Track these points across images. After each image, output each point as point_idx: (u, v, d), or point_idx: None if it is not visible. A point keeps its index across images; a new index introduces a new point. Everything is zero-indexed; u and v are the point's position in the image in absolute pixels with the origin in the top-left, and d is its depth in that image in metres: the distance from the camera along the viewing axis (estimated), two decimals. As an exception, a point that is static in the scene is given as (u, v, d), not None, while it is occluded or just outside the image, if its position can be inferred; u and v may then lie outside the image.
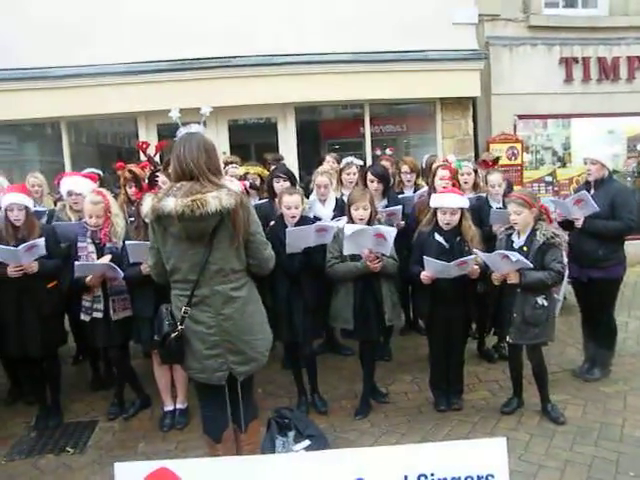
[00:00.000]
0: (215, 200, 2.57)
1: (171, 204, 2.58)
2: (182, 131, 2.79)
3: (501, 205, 4.71)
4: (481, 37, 8.19)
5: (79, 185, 4.58)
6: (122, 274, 3.92)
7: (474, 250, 3.78)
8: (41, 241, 3.85)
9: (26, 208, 3.98)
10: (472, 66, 7.78)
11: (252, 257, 2.80)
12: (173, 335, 2.71)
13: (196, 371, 2.82)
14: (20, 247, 3.75)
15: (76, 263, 3.91)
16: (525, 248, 3.79)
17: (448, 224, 3.89)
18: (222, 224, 2.65)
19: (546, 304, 3.76)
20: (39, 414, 4.21)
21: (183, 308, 2.72)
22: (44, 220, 4.60)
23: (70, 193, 4.59)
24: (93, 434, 4.05)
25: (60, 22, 7.31)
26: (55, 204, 5.11)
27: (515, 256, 3.60)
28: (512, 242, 3.89)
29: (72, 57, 7.32)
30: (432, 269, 3.76)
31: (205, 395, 2.94)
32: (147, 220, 2.80)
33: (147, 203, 2.74)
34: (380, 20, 7.49)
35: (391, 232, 3.76)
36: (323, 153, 7.81)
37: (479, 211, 4.69)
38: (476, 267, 3.79)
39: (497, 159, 5.66)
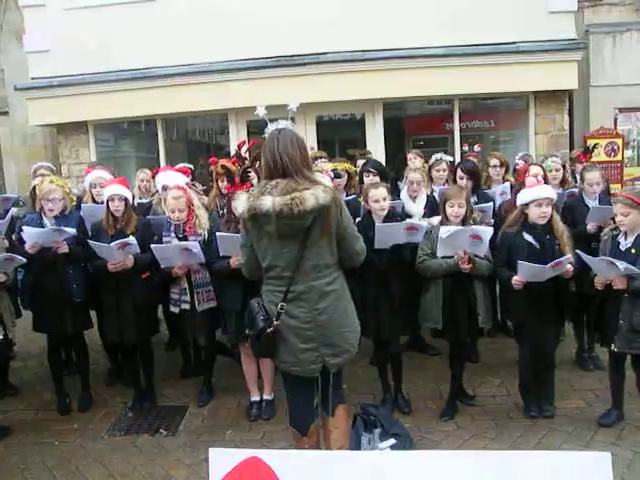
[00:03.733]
0: (312, 197, 2.57)
1: (268, 203, 2.58)
2: (270, 128, 2.77)
3: (597, 203, 4.46)
4: (580, 25, 7.76)
5: (173, 180, 4.76)
6: (203, 259, 4.01)
7: (578, 252, 3.59)
8: (133, 240, 4.02)
9: (125, 200, 4.20)
10: (569, 57, 7.42)
11: (344, 251, 2.80)
12: (269, 330, 2.72)
13: (290, 364, 2.83)
14: (112, 244, 3.94)
15: (153, 246, 4.02)
16: (634, 250, 3.54)
17: (544, 217, 3.70)
18: (317, 220, 2.64)
19: (658, 311, 3.49)
20: (135, 396, 4.43)
21: (280, 304, 2.73)
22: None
23: (165, 188, 4.79)
24: (184, 419, 4.22)
25: (156, 24, 7.69)
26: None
27: (622, 264, 3.37)
28: (618, 243, 3.64)
29: (168, 58, 7.69)
30: (525, 273, 3.58)
31: (294, 388, 2.96)
32: (242, 218, 2.81)
33: (242, 202, 2.72)
34: (471, 13, 7.31)
35: (487, 232, 3.65)
36: (407, 149, 7.73)
37: (572, 210, 4.46)
38: (569, 267, 3.60)
39: (594, 147, 5.35)
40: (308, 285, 2.72)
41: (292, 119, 2.87)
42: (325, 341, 2.77)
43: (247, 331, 2.85)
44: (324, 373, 2.84)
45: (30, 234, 4.00)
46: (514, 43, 7.44)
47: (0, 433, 4.05)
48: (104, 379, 4.90)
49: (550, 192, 3.78)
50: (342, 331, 2.82)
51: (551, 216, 3.73)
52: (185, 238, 4.16)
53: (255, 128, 8.29)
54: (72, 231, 4.11)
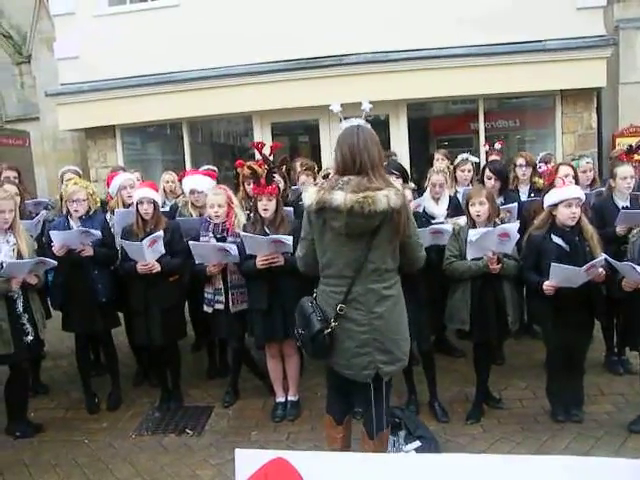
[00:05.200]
0: (385, 199, 2.53)
1: (340, 198, 2.54)
2: (344, 124, 2.73)
3: (629, 204, 4.35)
4: (609, 21, 7.60)
5: (201, 183, 4.84)
6: (237, 257, 4.03)
7: (605, 256, 3.52)
8: (160, 233, 4.10)
9: (154, 202, 4.26)
10: (598, 54, 7.28)
11: (405, 257, 2.76)
12: (326, 332, 2.68)
13: (342, 367, 2.78)
14: (144, 240, 4.03)
15: (191, 243, 4.09)
16: (664, 252, 3.47)
17: (574, 218, 3.63)
18: (384, 223, 2.61)
19: (689, 314, 3.41)
20: (162, 396, 4.50)
21: (339, 305, 2.68)
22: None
23: (192, 191, 4.86)
24: (210, 419, 4.26)
25: (181, 29, 7.79)
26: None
27: None
28: (647, 245, 3.57)
29: (193, 62, 7.78)
30: (558, 277, 3.50)
31: (336, 380, 2.91)
32: (307, 210, 2.76)
33: (311, 194, 2.67)
34: (496, 11, 7.22)
35: (514, 227, 3.63)
36: (432, 150, 7.68)
37: (601, 210, 4.36)
38: (601, 270, 3.53)
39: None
40: (366, 287, 2.67)
41: (365, 118, 2.79)
42: (380, 347, 2.71)
43: (300, 330, 2.80)
44: (376, 380, 2.76)
45: (57, 236, 4.11)
46: (540, 41, 7.33)
47: (33, 430, 4.16)
48: (132, 380, 4.97)
49: (579, 192, 3.71)
50: (396, 338, 2.76)
51: (580, 218, 3.67)
52: (223, 238, 4.19)
53: (279, 130, 8.36)
54: (97, 233, 4.19)
